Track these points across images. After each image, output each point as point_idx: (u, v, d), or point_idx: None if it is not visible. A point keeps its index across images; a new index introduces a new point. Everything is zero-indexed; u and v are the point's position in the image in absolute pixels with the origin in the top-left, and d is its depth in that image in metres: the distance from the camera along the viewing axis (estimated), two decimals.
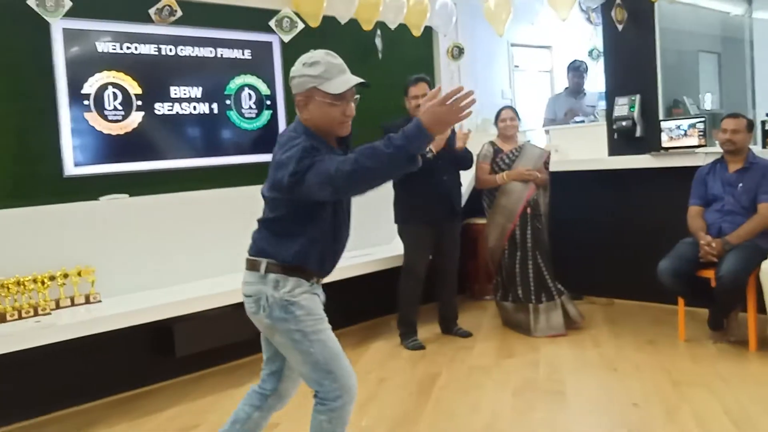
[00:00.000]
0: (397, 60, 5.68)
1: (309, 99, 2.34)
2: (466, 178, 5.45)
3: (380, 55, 5.55)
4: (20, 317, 3.62)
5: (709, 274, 4.22)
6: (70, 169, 4.07)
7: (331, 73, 2.32)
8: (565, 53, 7.12)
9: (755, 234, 4.24)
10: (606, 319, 5.13)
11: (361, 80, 2.36)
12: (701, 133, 4.95)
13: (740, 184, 4.38)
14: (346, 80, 2.33)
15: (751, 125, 4.48)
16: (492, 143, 5.04)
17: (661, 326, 4.77)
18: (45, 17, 3.86)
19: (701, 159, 4.77)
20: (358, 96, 2.42)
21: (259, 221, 2.49)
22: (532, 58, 7.60)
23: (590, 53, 6.97)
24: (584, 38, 7.09)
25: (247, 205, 4.66)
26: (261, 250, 2.42)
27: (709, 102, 5.90)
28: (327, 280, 4.26)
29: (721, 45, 6.32)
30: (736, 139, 4.39)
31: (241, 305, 4.20)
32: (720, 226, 4.36)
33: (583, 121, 6.19)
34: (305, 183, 2.20)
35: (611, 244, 5.52)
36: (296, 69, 2.37)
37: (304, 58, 2.37)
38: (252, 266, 2.43)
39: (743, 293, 4.16)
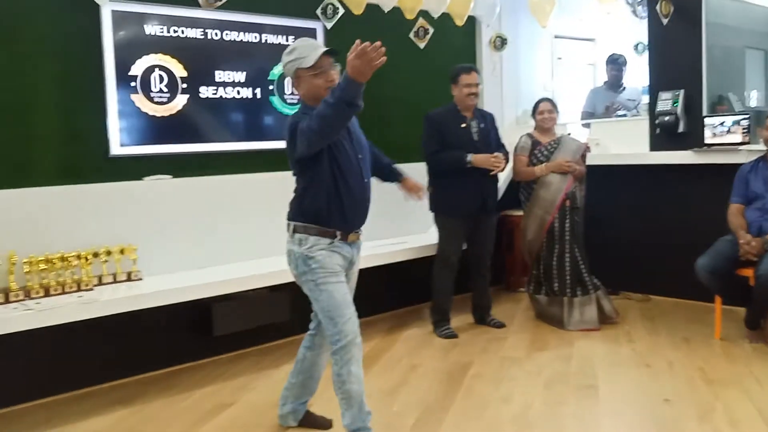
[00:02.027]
0: (440, 49, 5.67)
1: (298, 79, 2.88)
2: (503, 171, 5.46)
3: (422, 46, 5.56)
4: (63, 292, 3.72)
5: (748, 272, 4.18)
6: (116, 149, 4.15)
7: (304, 52, 2.81)
8: (610, 46, 7.03)
9: None
10: (641, 315, 5.10)
11: (327, 48, 2.82)
12: (745, 131, 4.88)
13: None
14: (317, 53, 2.79)
15: None
16: (529, 135, 5.02)
17: (697, 324, 4.73)
18: (95, 0, 3.95)
19: (744, 156, 4.71)
20: (338, 65, 2.85)
21: None
22: (576, 50, 7.52)
23: (635, 47, 6.87)
24: (629, 32, 6.98)
25: (288, 189, 4.75)
26: (289, 214, 2.98)
27: (754, 99, 5.79)
28: (374, 262, 4.39)
29: None
30: None
31: (279, 287, 4.32)
32: (760, 224, 4.30)
33: (625, 115, 6.12)
34: (296, 142, 2.77)
35: (650, 240, 5.48)
36: (282, 60, 2.90)
37: (285, 51, 2.89)
38: (287, 228, 2.96)
39: None
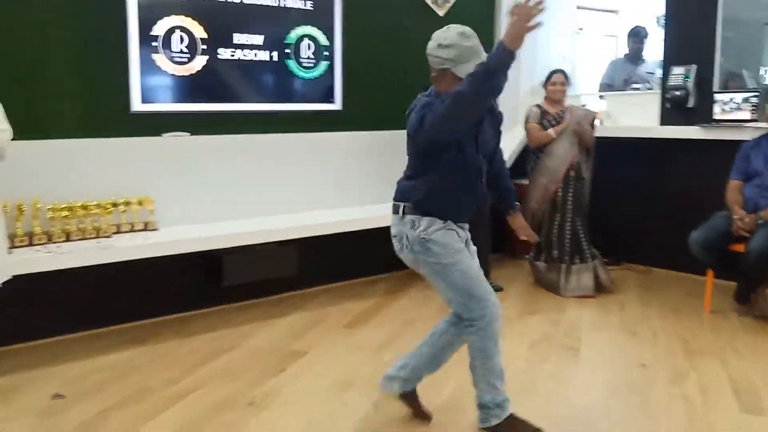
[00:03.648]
0: (457, 18, 5.72)
1: (443, 76, 2.65)
2: (515, 140, 5.59)
3: (441, 13, 5.68)
4: (84, 238, 4.00)
5: (741, 248, 4.27)
6: (137, 105, 4.37)
7: (463, 57, 2.58)
8: (633, 18, 7.03)
9: None
10: (639, 285, 5.25)
11: None
12: (754, 108, 4.92)
13: None
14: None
15: None
16: (538, 106, 5.13)
17: (691, 297, 4.85)
18: None
19: (750, 133, 4.76)
20: None
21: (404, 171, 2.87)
22: (599, 21, 7.52)
23: (658, 20, 6.87)
24: (653, 4, 6.97)
25: (300, 150, 4.99)
26: (399, 195, 2.81)
27: None
28: (377, 224, 4.48)
29: None
30: None
31: (288, 242, 4.55)
32: (757, 201, 4.38)
33: (638, 89, 6.18)
34: (424, 124, 2.57)
35: (654, 213, 5.59)
36: (432, 48, 2.65)
37: (440, 38, 2.64)
38: (394, 210, 2.81)
39: None
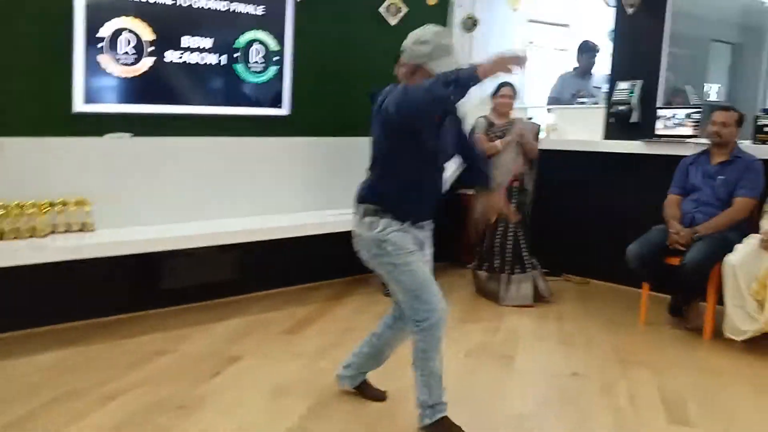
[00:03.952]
0: (410, 28, 5.77)
1: (416, 71, 2.75)
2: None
3: (393, 23, 5.71)
4: (18, 238, 3.92)
5: (676, 261, 4.35)
6: (80, 106, 4.31)
7: (437, 54, 2.70)
8: (585, 33, 7.14)
9: (726, 227, 4.34)
10: (577, 297, 5.33)
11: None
12: (696, 124, 5.03)
13: (720, 177, 4.48)
14: (448, 64, 2.63)
15: (741, 120, 4.54)
16: (485, 117, 5.19)
17: (627, 309, 4.93)
18: None
19: (691, 149, 4.85)
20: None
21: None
22: (550, 35, 7.62)
23: (609, 35, 6.98)
24: (604, 19, 7.08)
25: (245, 154, 4.96)
26: (360, 196, 2.94)
27: (714, 93, 5.92)
28: (320, 230, 4.61)
29: (739, 35, 6.29)
30: (723, 132, 4.48)
31: (228, 247, 4.53)
32: (693, 216, 4.48)
33: (584, 103, 6.28)
34: (398, 106, 2.65)
35: (595, 226, 5.66)
36: (408, 44, 2.79)
37: (417, 35, 2.77)
38: (355, 211, 2.95)
39: (705, 283, 4.29)
